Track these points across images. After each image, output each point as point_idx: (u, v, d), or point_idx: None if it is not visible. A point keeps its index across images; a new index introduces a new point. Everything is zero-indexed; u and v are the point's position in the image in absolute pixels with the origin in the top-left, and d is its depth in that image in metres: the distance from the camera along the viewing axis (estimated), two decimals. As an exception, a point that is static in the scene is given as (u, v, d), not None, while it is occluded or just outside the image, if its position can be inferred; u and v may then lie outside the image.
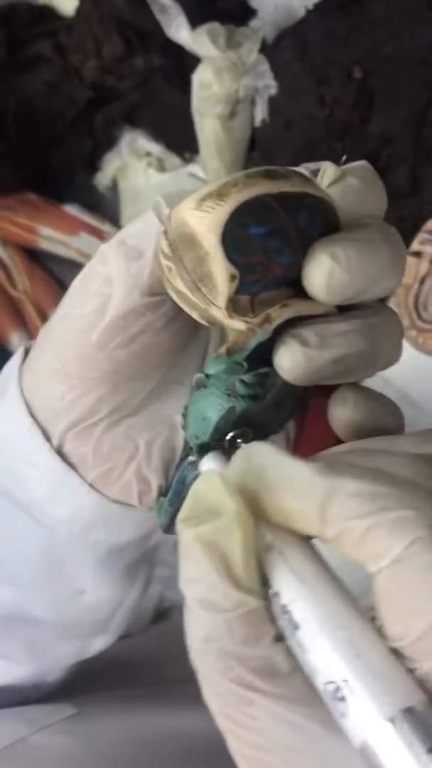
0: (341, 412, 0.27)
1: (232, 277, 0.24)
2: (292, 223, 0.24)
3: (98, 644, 0.39)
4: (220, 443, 0.27)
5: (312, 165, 0.27)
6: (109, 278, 0.28)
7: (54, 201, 0.79)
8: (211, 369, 0.26)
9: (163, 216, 0.26)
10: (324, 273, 0.24)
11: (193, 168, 0.77)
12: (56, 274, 0.82)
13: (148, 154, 0.78)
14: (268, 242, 0.24)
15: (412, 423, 0.78)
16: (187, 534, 0.22)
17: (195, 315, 0.26)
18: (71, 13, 0.73)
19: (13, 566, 0.35)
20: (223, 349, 0.26)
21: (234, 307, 0.25)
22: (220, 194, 0.24)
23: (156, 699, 0.46)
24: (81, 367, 0.29)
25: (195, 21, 0.65)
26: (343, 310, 0.26)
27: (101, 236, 0.80)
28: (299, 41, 0.63)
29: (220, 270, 0.24)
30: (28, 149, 0.77)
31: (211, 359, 0.27)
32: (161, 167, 0.78)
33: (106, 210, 0.83)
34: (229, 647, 0.20)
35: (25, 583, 0.35)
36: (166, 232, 0.25)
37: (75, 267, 0.79)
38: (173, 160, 0.77)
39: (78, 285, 0.29)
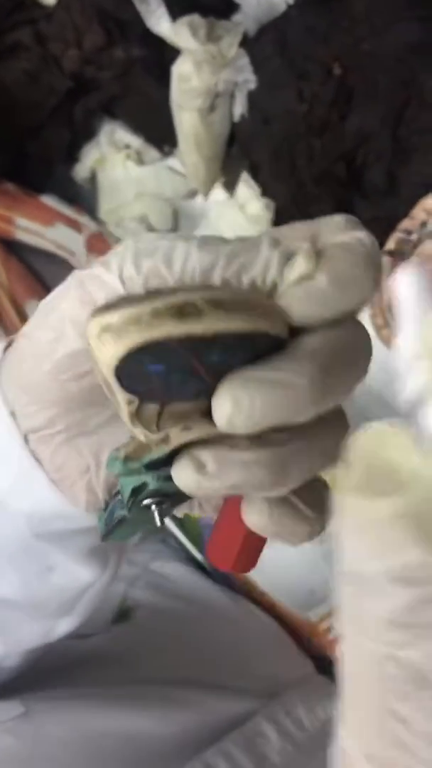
0: (249, 515, 0.27)
1: (130, 402, 0.24)
2: (200, 362, 0.23)
3: (63, 626, 0.39)
4: (138, 507, 0.28)
5: (285, 247, 0.24)
6: (63, 317, 0.27)
7: (31, 191, 0.79)
8: (108, 467, 0.27)
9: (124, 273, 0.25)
10: (224, 416, 0.23)
11: (172, 161, 0.76)
12: (33, 266, 0.81)
13: (127, 146, 0.78)
14: (170, 378, 0.24)
15: (383, 418, 0.78)
16: (373, 509, 0.20)
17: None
18: (52, 2, 0.72)
19: None
20: (120, 453, 0.27)
21: (139, 415, 0.25)
22: (118, 330, 0.23)
23: (110, 699, 0.46)
24: (37, 389, 0.30)
25: (176, 13, 0.65)
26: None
27: (77, 228, 0.79)
28: (279, 36, 0.63)
29: (119, 394, 0.24)
30: (5, 139, 0.76)
31: (110, 457, 0.27)
32: (140, 160, 0.78)
33: (85, 202, 0.83)
34: None
35: None
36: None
37: (51, 259, 0.78)
38: (152, 153, 0.77)
39: (43, 307, 0.29)
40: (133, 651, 0.56)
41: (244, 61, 0.65)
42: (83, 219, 0.80)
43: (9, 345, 0.33)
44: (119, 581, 0.66)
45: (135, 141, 0.77)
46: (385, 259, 0.62)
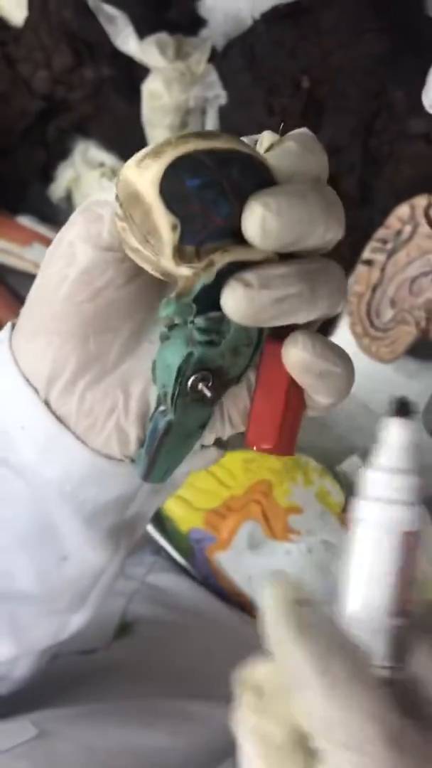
0: (293, 353, 0.29)
1: (174, 227, 0.27)
2: (225, 176, 0.27)
3: (75, 622, 0.39)
4: (184, 390, 0.30)
5: (253, 136, 0.30)
6: (73, 240, 0.30)
7: (7, 213, 0.79)
8: (163, 312, 0.29)
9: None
10: (257, 219, 0.27)
11: (147, 178, 0.77)
12: (11, 287, 0.81)
13: (102, 164, 0.78)
14: (204, 193, 0.27)
15: (370, 432, 0.78)
16: None
17: (149, 268, 0.28)
18: (20, 24, 0.72)
19: (2, 535, 0.36)
20: (172, 294, 0.28)
21: (180, 255, 0.27)
22: (156, 152, 0.26)
23: (119, 716, 0.46)
24: (53, 321, 0.31)
25: (143, 31, 0.65)
26: (285, 258, 0.28)
27: (56, 248, 0.79)
28: (247, 51, 0.63)
29: (163, 220, 0.27)
30: (-22, 161, 0.76)
31: (162, 304, 0.29)
32: (115, 177, 0.78)
33: (62, 221, 0.82)
34: None
35: (13, 552, 0.36)
36: (117, 195, 0.27)
37: (30, 279, 0.78)
38: (127, 170, 0.77)
39: (49, 251, 0.32)
40: (137, 665, 0.56)
41: (214, 77, 0.65)
42: (60, 238, 0.80)
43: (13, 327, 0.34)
44: (119, 596, 0.66)
45: (109, 159, 0.77)
46: (362, 269, 0.63)
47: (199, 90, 0.66)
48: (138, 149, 0.79)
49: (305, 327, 0.30)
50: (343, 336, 0.68)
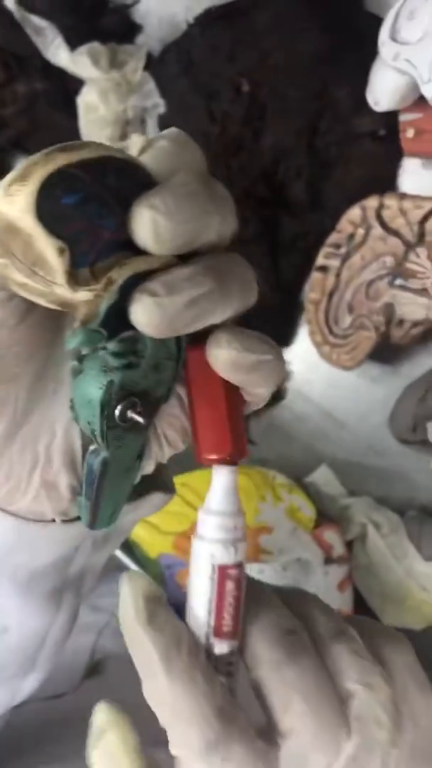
0: (219, 354, 0.28)
1: (61, 251, 0.24)
2: (102, 185, 0.25)
3: (29, 684, 0.37)
4: (113, 422, 0.28)
5: (121, 143, 0.28)
6: None
7: None
8: (71, 344, 0.26)
9: None
10: (148, 223, 0.25)
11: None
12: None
13: (44, 180, 0.75)
14: (85, 208, 0.25)
15: (335, 437, 0.77)
16: None
17: (43, 302, 0.26)
18: None
19: None
20: (77, 323, 0.26)
21: (75, 280, 0.25)
22: (22, 176, 0.24)
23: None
24: None
25: (74, 42, 0.63)
26: (185, 260, 0.27)
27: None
28: (183, 56, 0.61)
29: (48, 247, 0.24)
30: None
31: (68, 336, 0.27)
32: None
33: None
34: None
35: None
36: None
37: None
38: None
39: None
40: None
41: (151, 85, 0.63)
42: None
43: None
44: (88, 632, 0.64)
45: (50, 174, 0.74)
46: (317, 275, 0.61)
47: (136, 99, 0.63)
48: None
49: (221, 326, 0.28)
50: (302, 345, 0.66)
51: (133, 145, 0.27)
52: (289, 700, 0.28)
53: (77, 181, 0.24)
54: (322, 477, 0.67)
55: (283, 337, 0.67)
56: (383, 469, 0.66)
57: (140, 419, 0.28)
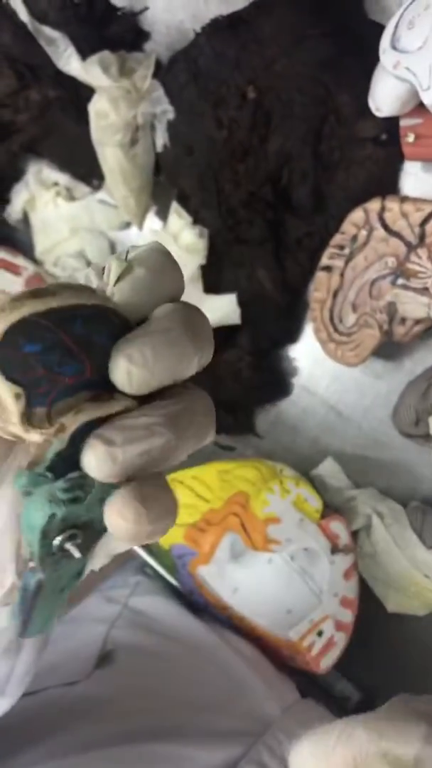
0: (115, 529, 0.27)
1: (17, 396, 0.25)
2: (67, 334, 0.25)
3: (2, 704, 0.38)
4: (50, 551, 0.28)
5: (102, 264, 0.28)
6: None
7: (-36, 239, 0.78)
8: (16, 484, 0.27)
9: None
10: (123, 374, 0.25)
11: (103, 194, 0.76)
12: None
13: (56, 183, 0.77)
14: (46, 357, 0.25)
15: (340, 432, 0.79)
16: None
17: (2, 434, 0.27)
18: (-39, 49, 0.71)
19: None
20: (24, 463, 0.27)
21: (30, 420, 0.26)
22: None
23: (96, 762, 0.46)
24: None
25: (85, 51, 0.64)
26: (145, 397, 0.27)
27: (15, 270, 0.79)
28: (191, 65, 0.63)
29: (5, 392, 0.25)
30: None
31: (16, 475, 0.27)
32: (70, 196, 0.77)
33: (20, 243, 0.82)
34: None
35: None
36: None
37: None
38: (81, 188, 0.76)
39: None
40: (116, 696, 0.56)
41: (160, 92, 0.65)
42: (20, 261, 0.79)
43: None
44: (100, 623, 0.66)
45: (62, 178, 0.76)
46: (321, 275, 0.63)
47: (146, 106, 0.65)
48: (91, 167, 0.78)
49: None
50: (307, 342, 0.68)
51: (112, 272, 0.27)
52: None
53: (41, 331, 0.25)
54: (328, 469, 0.69)
55: (289, 334, 0.69)
56: (387, 461, 0.68)
57: (76, 553, 0.28)
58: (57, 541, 0.28)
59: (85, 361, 0.26)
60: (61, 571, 0.29)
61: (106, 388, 0.26)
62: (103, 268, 0.27)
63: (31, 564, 0.29)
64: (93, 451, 0.25)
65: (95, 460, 0.25)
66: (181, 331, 0.26)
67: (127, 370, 0.25)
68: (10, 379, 0.25)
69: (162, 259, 0.27)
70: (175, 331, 0.26)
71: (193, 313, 0.27)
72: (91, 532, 0.28)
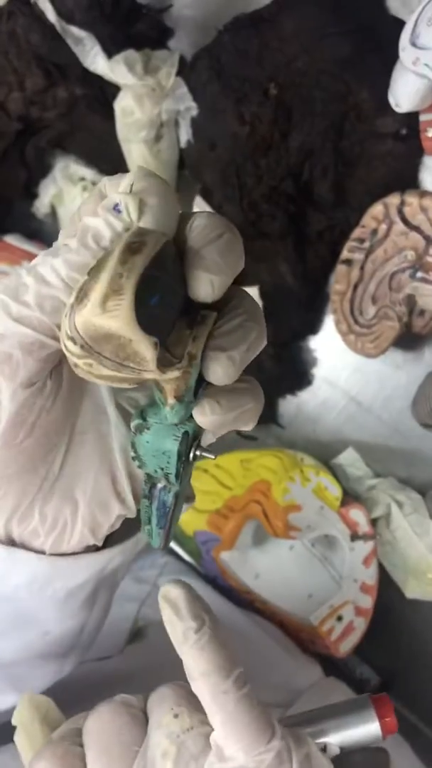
0: (202, 420, 0.30)
1: (155, 345, 0.27)
2: (168, 276, 0.28)
3: (72, 661, 0.42)
4: (188, 465, 0.32)
5: (114, 181, 0.30)
6: None
7: (-6, 233, 0.80)
8: (174, 419, 0.30)
9: (23, 315, 0.29)
10: (207, 285, 0.28)
11: (128, 189, 0.78)
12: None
13: (82, 178, 0.79)
14: (165, 302, 0.28)
15: (360, 422, 0.80)
16: None
17: (126, 385, 0.29)
18: (-10, 48, 0.73)
19: None
20: (171, 400, 0.29)
21: (163, 364, 0.28)
22: (114, 291, 0.26)
23: None
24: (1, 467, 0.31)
25: (111, 50, 0.66)
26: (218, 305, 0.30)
27: (44, 264, 0.81)
28: (214, 62, 0.64)
29: (144, 346, 0.27)
30: (-39, 185, 0.78)
31: (166, 411, 0.30)
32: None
33: (48, 237, 0.84)
34: None
35: None
36: (70, 340, 0.27)
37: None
38: (107, 183, 0.78)
39: None
40: (148, 670, 0.58)
41: (184, 89, 0.66)
42: (48, 254, 0.81)
43: None
44: (131, 601, 0.68)
45: (89, 173, 0.78)
46: (342, 268, 0.64)
47: (170, 103, 0.66)
48: (116, 162, 0.79)
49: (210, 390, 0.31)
50: (328, 333, 0.70)
51: (132, 211, 0.28)
52: None
53: (156, 281, 0.27)
54: (349, 458, 0.71)
55: (310, 326, 0.70)
56: (407, 451, 0.69)
57: (211, 456, 0.32)
58: (192, 454, 0.31)
59: (181, 289, 0.28)
60: (186, 478, 0.33)
61: (187, 310, 0.29)
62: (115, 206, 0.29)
63: (161, 484, 0.33)
64: (218, 362, 0.28)
65: (221, 369, 0.28)
66: (229, 232, 0.29)
67: (210, 280, 0.28)
68: (147, 332, 0.26)
69: (157, 181, 0.29)
70: (225, 234, 0.29)
71: (218, 215, 0.30)
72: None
